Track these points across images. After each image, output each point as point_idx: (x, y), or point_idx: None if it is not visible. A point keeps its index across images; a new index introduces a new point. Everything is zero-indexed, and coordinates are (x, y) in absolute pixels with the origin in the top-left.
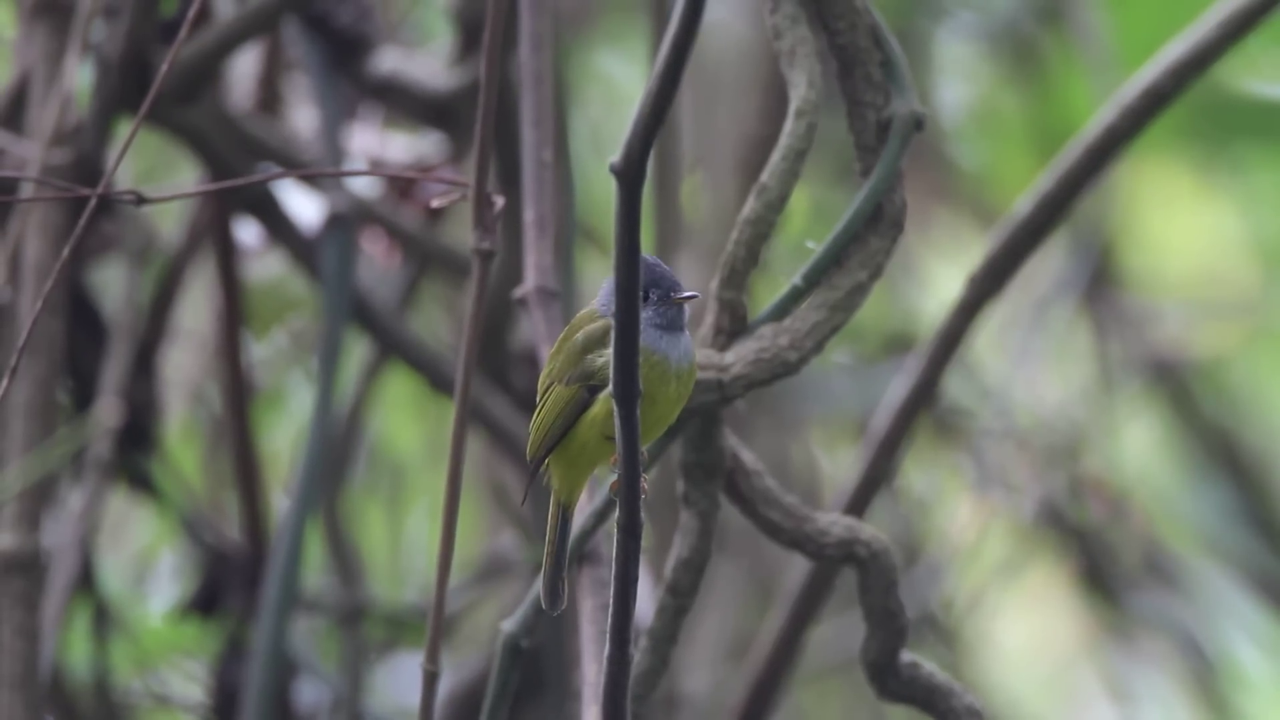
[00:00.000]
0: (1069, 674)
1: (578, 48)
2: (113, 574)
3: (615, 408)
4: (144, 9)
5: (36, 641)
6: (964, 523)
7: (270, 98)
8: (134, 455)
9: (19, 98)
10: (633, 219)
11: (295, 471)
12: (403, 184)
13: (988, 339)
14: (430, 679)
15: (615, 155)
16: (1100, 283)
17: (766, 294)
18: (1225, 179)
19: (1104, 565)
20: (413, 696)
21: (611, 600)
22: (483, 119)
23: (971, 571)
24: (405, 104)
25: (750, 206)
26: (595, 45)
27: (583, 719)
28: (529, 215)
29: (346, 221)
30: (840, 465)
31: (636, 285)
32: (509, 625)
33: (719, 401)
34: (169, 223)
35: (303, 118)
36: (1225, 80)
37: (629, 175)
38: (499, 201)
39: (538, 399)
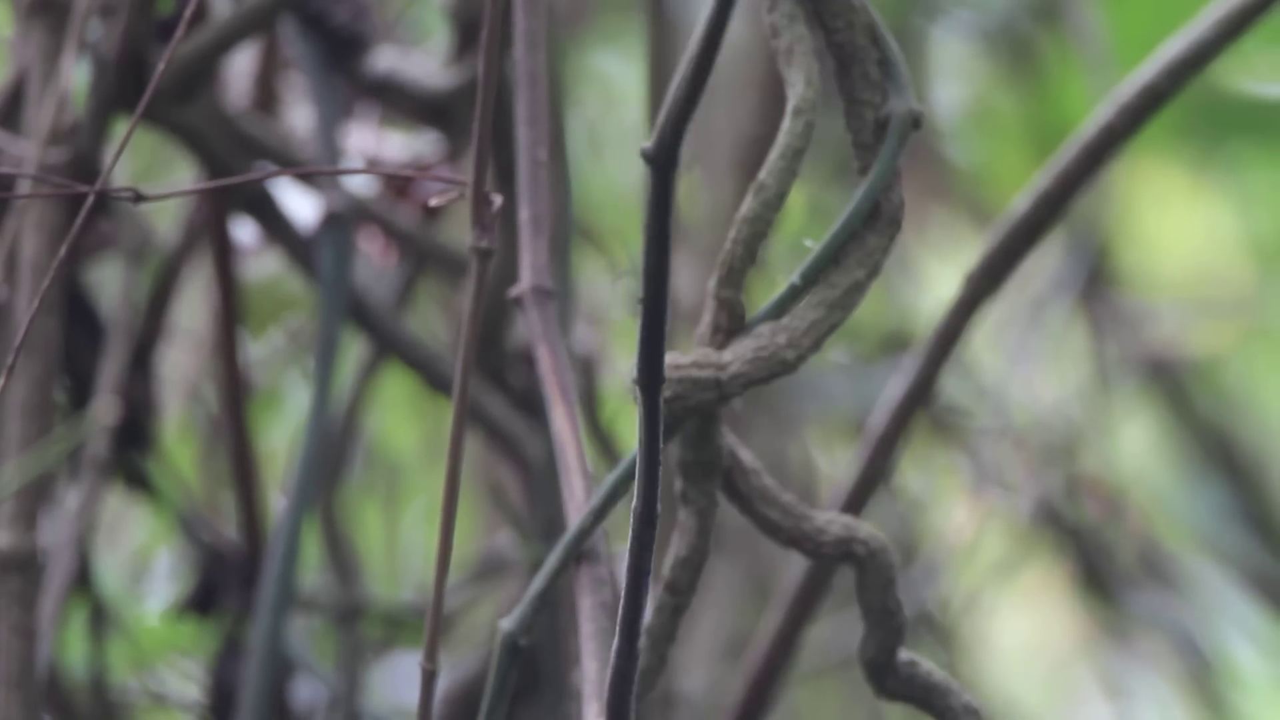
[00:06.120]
0: (1066, 673)
1: (573, 47)
2: (110, 573)
3: (639, 394)
4: (141, 8)
5: (33, 640)
6: (961, 522)
7: (267, 96)
8: (131, 454)
9: (15, 97)
10: (664, 206)
11: (292, 470)
12: (399, 183)
13: (984, 338)
14: (428, 677)
15: (647, 141)
16: (1096, 282)
17: (764, 293)
18: (1221, 178)
19: (1101, 564)
20: (410, 695)
21: (624, 593)
22: (480, 116)
23: (968, 570)
24: (402, 103)
25: (748, 205)
26: (591, 44)
27: (584, 716)
28: (524, 214)
29: (343, 220)
30: (838, 464)
31: (666, 272)
32: (507, 624)
33: (716, 400)
34: (166, 222)
35: (299, 116)
36: (1221, 79)
37: (661, 161)
38: (497, 200)
39: None
